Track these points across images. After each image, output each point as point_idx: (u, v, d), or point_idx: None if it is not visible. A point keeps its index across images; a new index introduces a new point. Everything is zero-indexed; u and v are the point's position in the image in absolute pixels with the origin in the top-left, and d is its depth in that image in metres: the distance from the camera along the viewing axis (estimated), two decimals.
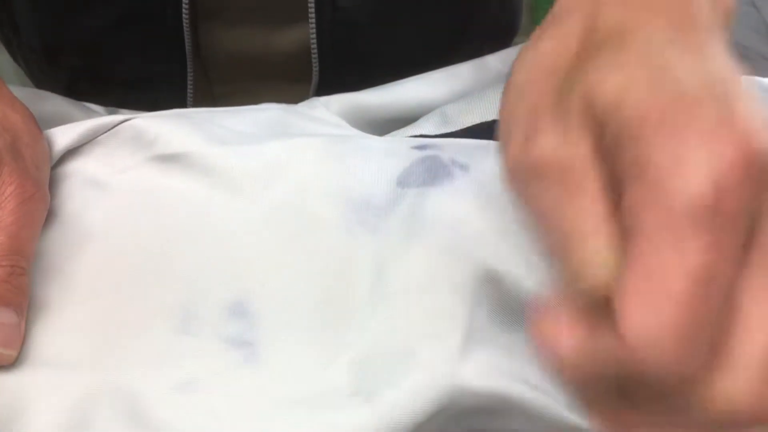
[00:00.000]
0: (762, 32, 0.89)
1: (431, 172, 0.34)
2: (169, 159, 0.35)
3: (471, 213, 0.33)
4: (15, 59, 0.55)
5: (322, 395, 0.30)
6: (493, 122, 0.39)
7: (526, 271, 0.33)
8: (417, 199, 0.34)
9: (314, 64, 0.46)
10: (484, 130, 0.38)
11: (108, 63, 0.48)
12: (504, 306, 0.33)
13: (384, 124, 0.43)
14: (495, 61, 0.44)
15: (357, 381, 0.30)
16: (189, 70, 0.46)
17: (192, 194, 0.34)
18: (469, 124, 0.39)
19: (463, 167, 0.35)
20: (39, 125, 0.35)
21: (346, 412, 0.29)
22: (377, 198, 0.34)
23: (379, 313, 0.31)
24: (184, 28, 0.44)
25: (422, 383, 0.29)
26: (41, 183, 0.33)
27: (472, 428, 0.32)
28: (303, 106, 0.42)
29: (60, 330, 0.31)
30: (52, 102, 0.43)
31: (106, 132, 0.36)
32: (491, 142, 0.37)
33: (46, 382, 0.30)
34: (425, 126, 0.40)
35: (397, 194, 0.34)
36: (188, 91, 0.47)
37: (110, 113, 0.44)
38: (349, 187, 0.34)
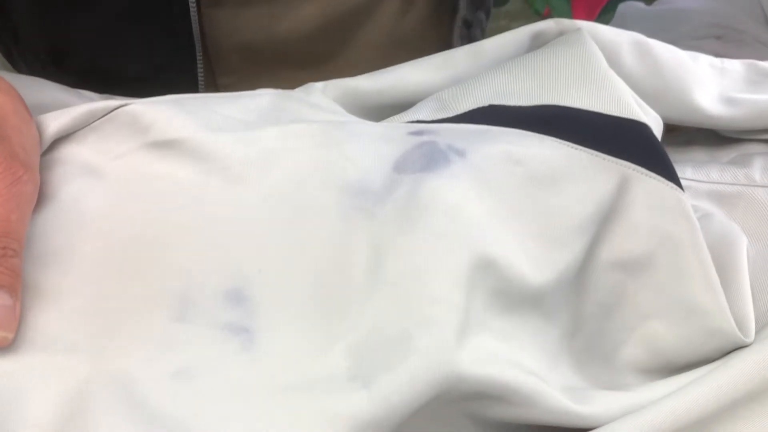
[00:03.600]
0: (758, 17, 0.89)
1: (428, 158, 0.34)
2: (164, 145, 0.35)
3: (467, 199, 0.33)
4: (16, 68, 0.54)
5: (320, 381, 0.30)
6: (490, 107, 0.39)
7: (521, 256, 0.33)
8: (413, 185, 0.33)
9: None
10: (480, 115, 0.38)
11: (116, 60, 0.48)
12: (499, 292, 0.33)
13: (380, 110, 0.42)
14: (491, 46, 0.44)
15: (354, 366, 0.30)
16: (198, 57, 0.45)
17: (188, 181, 0.34)
18: (466, 109, 0.39)
19: (460, 153, 0.34)
20: (29, 109, 0.35)
21: (343, 398, 0.29)
22: (374, 184, 0.34)
23: (375, 299, 0.31)
24: (191, 15, 0.43)
25: (419, 369, 0.29)
26: (30, 165, 0.32)
27: (468, 414, 0.32)
28: (299, 92, 0.42)
29: (57, 316, 0.31)
30: (46, 89, 0.43)
31: (100, 118, 0.36)
32: (488, 127, 0.37)
33: (43, 367, 0.30)
34: (422, 111, 0.40)
35: (393, 180, 0.34)
36: (199, 81, 0.47)
37: (105, 100, 0.44)
38: (346, 174, 0.34)
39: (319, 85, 0.42)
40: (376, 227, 0.33)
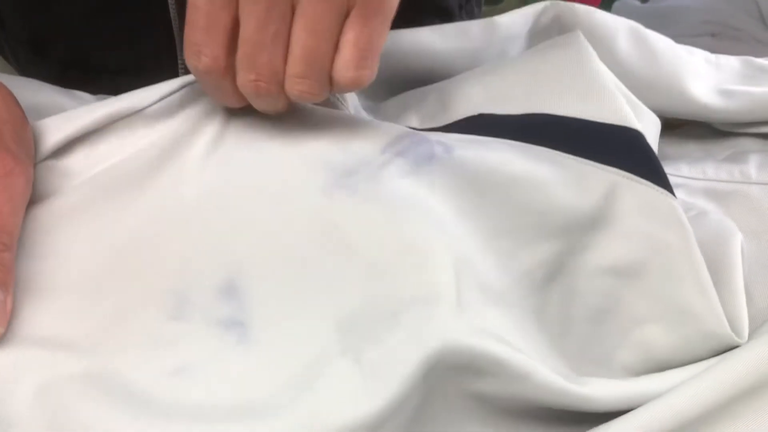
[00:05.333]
0: (754, 15, 0.89)
1: (416, 145, 0.35)
2: (155, 147, 0.35)
3: (446, 194, 0.33)
4: (2, 54, 0.54)
5: (314, 363, 0.30)
6: (479, 116, 0.38)
7: (491, 257, 0.33)
8: (400, 167, 0.34)
9: None
10: (470, 125, 0.38)
11: (95, 51, 0.48)
12: (481, 286, 0.33)
13: (390, 75, 0.42)
14: (504, 22, 0.44)
15: (345, 341, 0.30)
16: (178, 54, 0.45)
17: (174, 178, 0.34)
18: (456, 119, 0.39)
19: (448, 149, 0.35)
20: (22, 108, 0.34)
21: (337, 378, 0.29)
22: (360, 164, 0.34)
23: (363, 277, 0.32)
24: (171, 11, 0.43)
25: (408, 341, 0.30)
26: (21, 158, 0.32)
27: (459, 389, 0.32)
28: None
29: (52, 312, 0.31)
30: (41, 90, 0.43)
31: (99, 128, 0.36)
32: (477, 137, 0.37)
33: (36, 362, 0.29)
34: (413, 119, 0.40)
35: (380, 161, 0.34)
36: (180, 74, 0.47)
37: (99, 101, 0.44)
38: (332, 155, 0.34)
39: None
40: (361, 206, 0.33)
